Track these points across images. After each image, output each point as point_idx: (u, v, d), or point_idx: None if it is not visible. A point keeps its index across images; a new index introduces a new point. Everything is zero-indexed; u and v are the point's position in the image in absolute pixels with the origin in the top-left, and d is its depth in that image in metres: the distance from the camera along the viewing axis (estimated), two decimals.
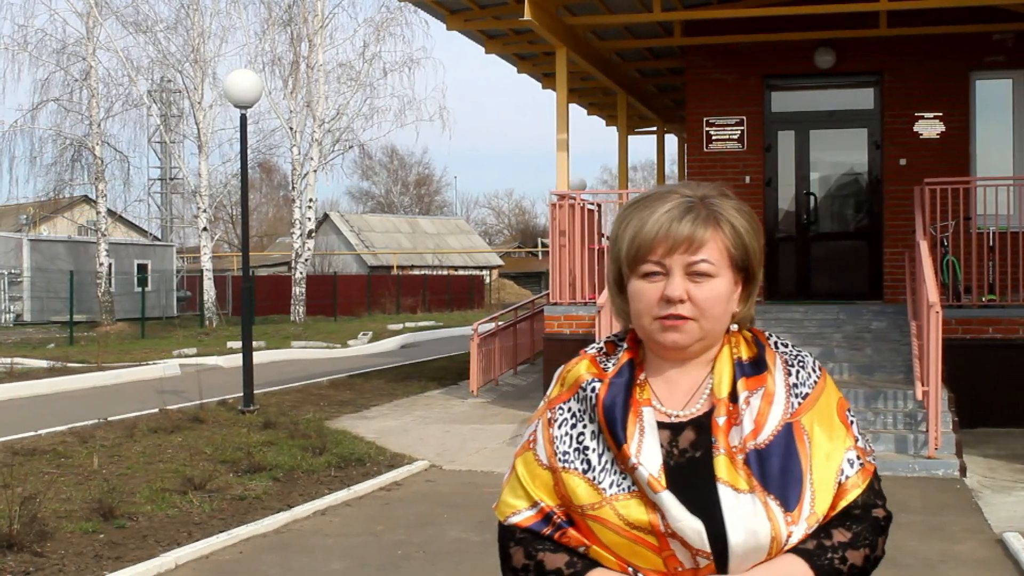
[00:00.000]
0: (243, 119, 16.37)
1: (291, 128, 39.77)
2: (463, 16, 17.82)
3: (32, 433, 13.96)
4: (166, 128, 43.07)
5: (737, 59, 18.52)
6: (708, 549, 2.08)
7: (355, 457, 12.54)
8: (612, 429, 2.16)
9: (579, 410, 2.23)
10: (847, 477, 2.21)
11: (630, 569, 2.12)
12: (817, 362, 2.31)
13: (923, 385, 12.08)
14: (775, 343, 2.31)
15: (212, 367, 23.94)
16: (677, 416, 2.20)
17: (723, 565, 2.10)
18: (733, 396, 2.20)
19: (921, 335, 12.76)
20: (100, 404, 17.12)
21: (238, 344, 23.38)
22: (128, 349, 28.30)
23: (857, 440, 2.25)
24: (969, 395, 13.94)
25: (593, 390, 2.22)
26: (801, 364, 2.28)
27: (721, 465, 2.13)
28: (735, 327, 2.29)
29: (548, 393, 2.32)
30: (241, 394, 16.13)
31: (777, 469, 2.13)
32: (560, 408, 2.25)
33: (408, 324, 40.42)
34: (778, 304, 17.28)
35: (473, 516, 9.85)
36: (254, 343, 18.57)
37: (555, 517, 2.17)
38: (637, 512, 2.11)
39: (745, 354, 2.26)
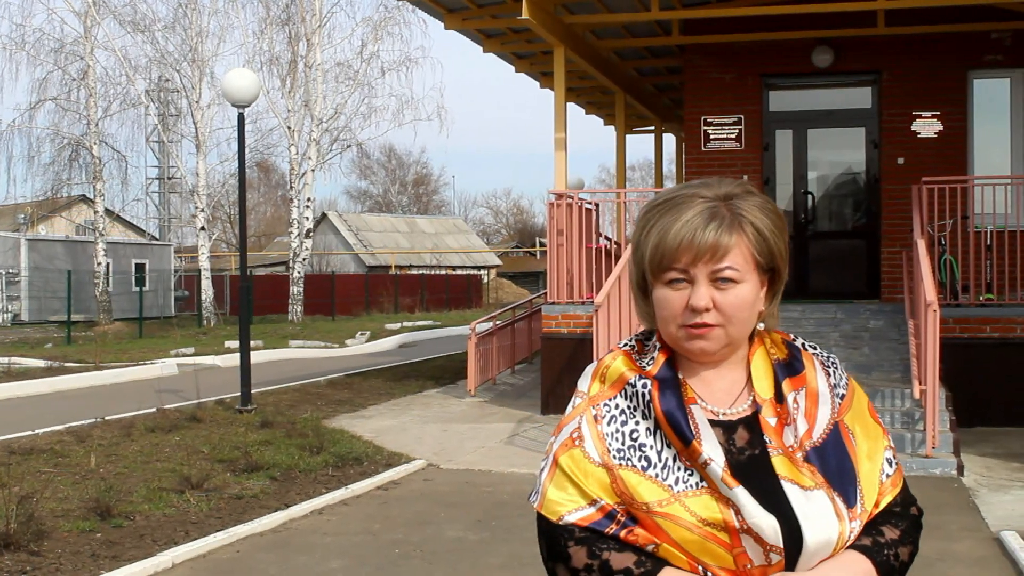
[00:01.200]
0: (241, 118, 16.36)
1: (289, 127, 39.76)
2: (461, 15, 17.81)
3: (29, 432, 13.95)
4: (164, 127, 43.09)
5: (735, 58, 18.52)
6: (782, 545, 2.08)
7: (353, 456, 12.54)
8: (675, 425, 2.14)
9: (628, 407, 2.19)
10: (887, 476, 2.26)
11: (700, 568, 2.09)
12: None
13: (920, 384, 12.08)
14: (803, 344, 2.32)
15: (210, 366, 23.93)
16: (726, 415, 2.20)
17: (792, 562, 2.10)
18: (779, 396, 2.22)
19: (919, 334, 12.76)
20: (97, 403, 17.12)
21: (236, 343, 23.37)
22: (126, 348, 28.29)
23: (889, 443, 2.31)
24: (967, 394, 13.94)
25: (645, 386, 2.18)
26: (835, 365, 2.31)
27: (781, 464, 2.15)
28: (762, 326, 2.29)
29: (584, 390, 2.26)
30: (239, 393, 16.12)
31: (835, 467, 2.17)
32: (606, 404, 2.20)
33: (406, 323, 40.43)
34: None
35: (471, 515, 9.85)
36: (252, 342, 18.57)
37: (618, 515, 2.12)
38: (710, 508, 2.09)
39: (780, 355, 2.28)
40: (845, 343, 15.08)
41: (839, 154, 18.69)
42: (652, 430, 2.17)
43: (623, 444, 2.16)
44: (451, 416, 16.01)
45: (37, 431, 14.04)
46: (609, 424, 2.18)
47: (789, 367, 2.25)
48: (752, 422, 2.19)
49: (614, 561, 2.10)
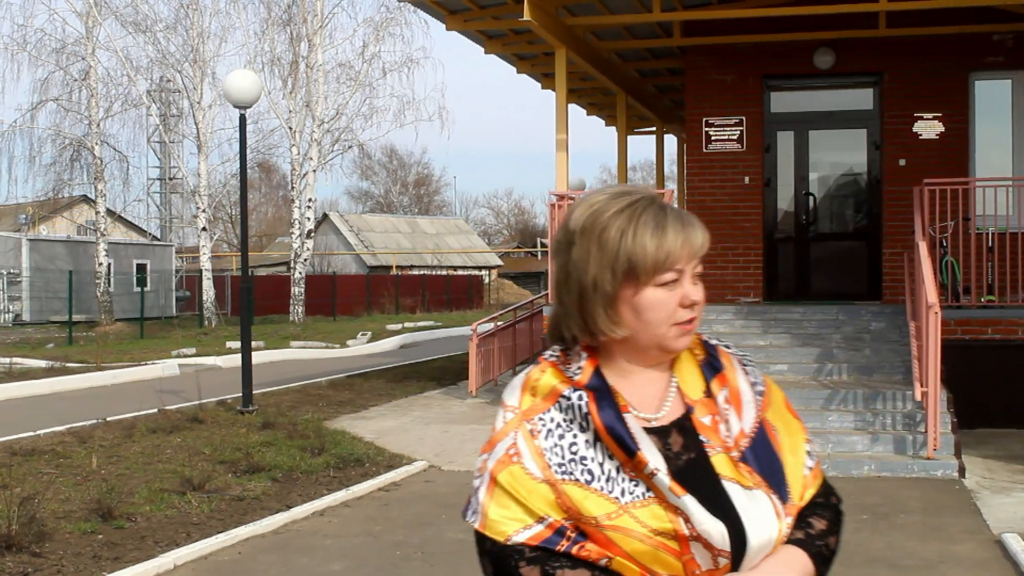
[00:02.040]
0: (242, 119, 16.37)
1: (290, 128, 39.76)
2: (463, 16, 17.81)
3: (31, 433, 13.96)
4: (165, 128, 43.07)
5: (736, 59, 18.52)
6: (729, 549, 2.09)
7: (354, 457, 12.54)
8: (618, 438, 2.12)
9: (564, 420, 2.16)
10: (809, 468, 2.29)
11: None
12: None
13: (922, 386, 12.08)
14: (719, 342, 2.34)
15: (211, 367, 23.94)
16: (656, 420, 2.19)
17: (736, 563, 2.11)
18: (708, 395, 2.23)
19: (920, 336, 12.77)
20: (99, 404, 17.12)
21: (237, 344, 23.37)
22: (127, 349, 28.30)
23: (808, 437, 2.34)
24: (968, 396, 13.94)
25: (580, 398, 2.16)
26: (750, 363, 2.34)
27: (722, 463, 2.16)
28: None
29: (513, 404, 2.21)
30: (240, 394, 16.13)
31: (767, 465, 2.19)
32: (540, 418, 2.16)
33: (407, 324, 40.43)
34: (777, 304, 17.27)
35: None
36: (253, 343, 18.57)
37: (567, 531, 2.09)
38: (659, 518, 2.08)
39: (701, 354, 2.29)
40: (846, 345, 15.07)
41: (840, 155, 18.69)
42: (591, 442, 2.14)
43: (563, 458, 2.13)
44: (452, 417, 16.01)
45: (38, 432, 14.05)
46: (546, 438, 2.15)
47: (711, 366, 2.28)
48: (684, 425, 2.20)
49: None
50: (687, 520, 2.08)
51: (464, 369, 19.56)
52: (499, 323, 20.26)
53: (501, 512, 2.11)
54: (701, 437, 2.18)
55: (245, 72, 16.22)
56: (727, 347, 2.33)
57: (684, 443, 2.18)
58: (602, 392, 2.17)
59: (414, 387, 19.75)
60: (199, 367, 23.29)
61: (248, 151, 18.20)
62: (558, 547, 2.08)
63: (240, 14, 40.62)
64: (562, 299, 2.24)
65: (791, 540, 2.18)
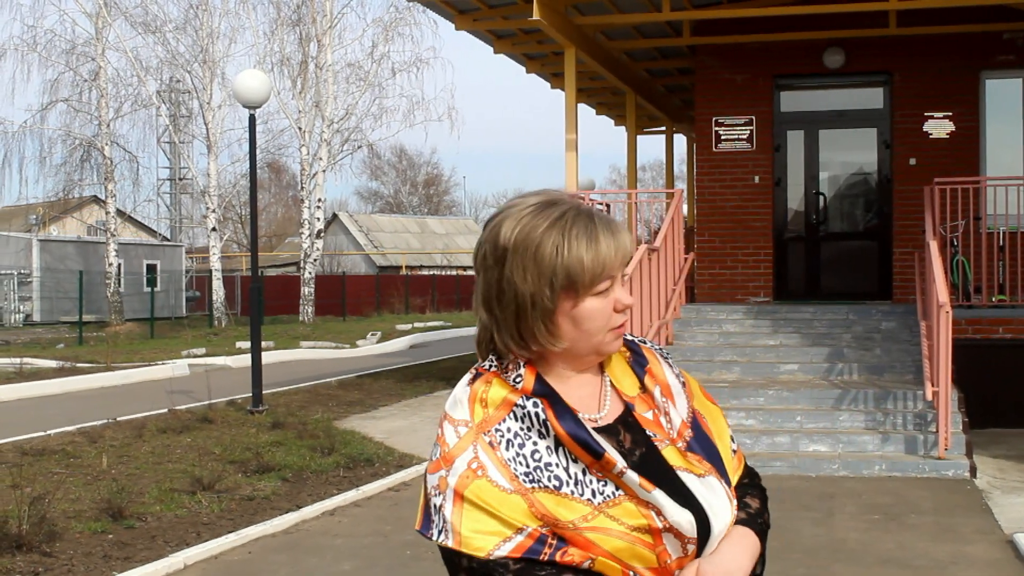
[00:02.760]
0: (252, 119, 16.37)
1: (300, 128, 39.79)
2: (472, 16, 17.80)
3: (41, 433, 13.98)
4: (175, 128, 43.14)
5: (746, 59, 18.49)
6: (696, 536, 2.14)
7: (364, 457, 12.55)
8: (583, 442, 2.12)
9: (521, 428, 2.14)
10: (734, 451, 2.36)
11: (630, 573, 2.09)
12: None
13: (933, 385, 12.05)
14: (636, 339, 2.36)
15: (221, 367, 23.96)
16: (600, 420, 2.21)
17: (700, 548, 2.16)
18: (644, 391, 2.27)
19: (931, 335, 12.74)
20: (109, 404, 17.15)
21: (247, 344, 23.40)
22: (137, 349, 28.34)
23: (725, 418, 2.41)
24: (979, 395, 13.90)
25: (536, 405, 2.15)
26: (668, 355, 2.38)
27: (672, 455, 2.20)
28: None
29: (463, 417, 2.17)
30: (250, 394, 16.14)
31: (709, 451, 2.25)
32: (497, 430, 2.14)
33: (417, 324, 40.42)
34: (787, 304, 17.25)
35: None
36: (263, 343, 18.58)
37: (548, 538, 2.06)
38: (632, 514, 2.10)
39: (627, 352, 2.32)
40: (857, 344, 15.04)
41: (851, 155, 18.65)
42: (552, 448, 2.14)
43: (528, 467, 2.11)
44: None
45: (49, 432, 14.07)
46: (507, 449, 2.12)
47: (639, 363, 2.31)
48: (628, 422, 2.22)
49: None
50: (659, 513, 2.11)
51: None
52: None
53: (475, 527, 2.07)
54: (647, 432, 2.21)
55: (254, 72, 16.24)
56: (645, 342, 2.37)
57: (632, 439, 2.20)
58: (553, 398, 2.17)
59: (424, 387, 19.75)
60: (209, 367, 23.30)
61: (258, 151, 18.21)
62: (542, 556, 2.06)
63: (249, 14, 40.70)
64: (493, 313, 2.21)
65: (737, 520, 2.24)
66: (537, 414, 2.14)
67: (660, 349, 2.37)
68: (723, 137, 18.54)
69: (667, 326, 15.35)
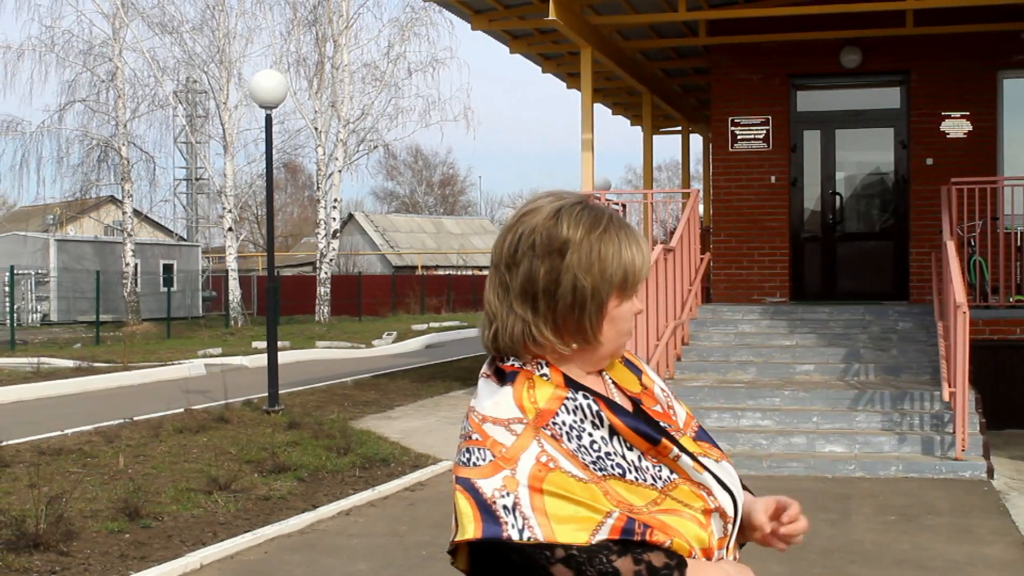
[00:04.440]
0: (268, 119, 16.40)
1: (316, 128, 39.86)
2: (488, 16, 17.81)
3: (58, 433, 14.02)
4: (192, 128, 43.27)
5: (762, 58, 18.46)
6: (733, 515, 2.25)
7: (379, 457, 12.56)
8: (639, 430, 2.20)
9: (575, 421, 2.17)
10: None
11: (692, 553, 2.15)
12: None
13: (950, 386, 12.01)
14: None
15: (237, 367, 24.00)
16: None
17: (733, 527, 2.29)
18: (644, 389, 2.37)
19: (948, 336, 12.69)
20: (126, 404, 17.19)
21: (263, 344, 23.45)
22: (154, 349, 28.42)
23: None
24: (996, 396, 13.86)
25: (586, 397, 2.20)
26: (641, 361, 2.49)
27: (689, 444, 2.28)
28: None
29: (515, 415, 2.15)
30: (266, 394, 16.16)
31: (713, 441, 2.37)
32: (553, 423, 2.15)
33: (432, 324, 40.44)
34: (804, 304, 17.21)
35: None
36: (279, 343, 18.61)
37: (636, 521, 2.09)
38: (691, 496, 2.18)
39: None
40: (873, 345, 15.00)
41: (867, 155, 18.60)
42: (608, 438, 2.18)
43: (593, 457, 2.14)
44: None
45: (66, 431, 14.11)
46: (570, 441, 2.14)
47: (630, 366, 2.41)
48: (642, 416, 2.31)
49: (654, 560, 2.08)
50: (710, 493, 2.20)
51: None
52: None
53: (566, 517, 2.07)
54: (661, 423, 2.28)
55: (271, 73, 16.26)
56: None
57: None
58: (592, 391, 2.24)
59: (440, 387, 19.76)
60: (225, 367, 23.35)
61: (274, 151, 18.25)
62: (635, 536, 2.09)
63: (266, 15, 40.84)
64: (535, 304, 2.21)
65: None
66: (589, 406, 2.19)
67: (635, 355, 2.48)
68: (739, 137, 18.51)
69: (683, 326, 15.33)
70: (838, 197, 18.40)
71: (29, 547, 8.31)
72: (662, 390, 2.39)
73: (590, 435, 2.17)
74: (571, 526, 2.06)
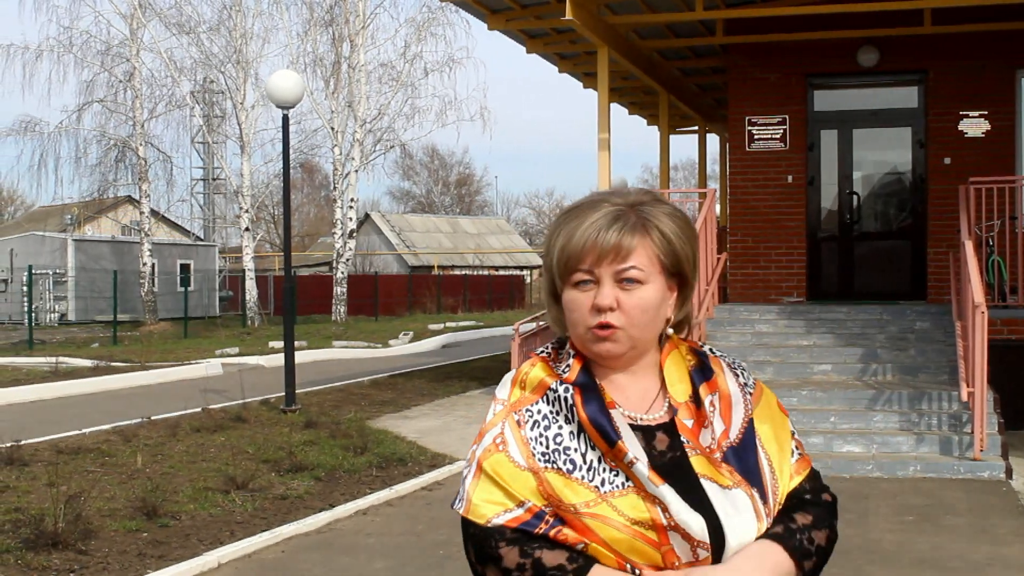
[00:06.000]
0: (285, 119, 16.43)
1: (333, 128, 39.91)
2: (504, 16, 17.81)
3: (77, 432, 14.06)
4: (209, 129, 43.37)
5: (779, 58, 18.42)
6: (708, 540, 2.13)
7: (396, 457, 12.57)
8: (600, 427, 2.16)
9: (551, 412, 2.21)
10: (792, 465, 2.32)
11: (628, 566, 2.12)
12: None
13: (968, 386, 11.96)
14: (711, 350, 2.37)
15: (254, 366, 24.04)
16: (643, 420, 2.24)
17: (717, 558, 2.14)
18: (695, 400, 2.27)
19: (966, 335, 12.65)
20: (143, 403, 17.23)
21: (280, 344, 23.47)
22: (171, 348, 28.48)
23: (793, 433, 2.37)
24: (1015, 396, 13.81)
25: (567, 390, 2.21)
26: (742, 368, 2.38)
27: (699, 463, 2.20)
28: (671, 331, 2.33)
29: (503, 396, 2.27)
30: (283, 393, 16.19)
31: (752, 465, 2.23)
32: (528, 410, 2.22)
33: (449, 324, 40.45)
34: (821, 304, 17.17)
35: None
36: (296, 343, 18.63)
37: (547, 516, 2.13)
38: (637, 508, 2.12)
39: (692, 360, 2.33)
40: (891, 345, 14.96)
41: (885, 154, 18.55)
42: (575, 433, 2.19)
43: (547, 448, 2.18)
44: None
45: (84, 431, 14.15)
46: (532, 429, 2.20)
47: (702, 372, 2.31)
48: (670, 427, 2.24)
49: (546, 559, 2.12)
50: (665, 510, 2.12)
51: (506, 369, 19.52)
52: (541, 323, 20.18)
53: (483, 497, 2.17)
54: (682, 438, 2.22)
55: (288, 73, 16.29)
56: (719, 353, 2.38)
57: (670, 443, 2.22)
58: (588, 387, 2.22)
59: (456, 387, 19.77)
60: (242, 366, 23.39)
61: (290, 151, 18.27)
62: (536, 530, 2.13)
63: (283, 15, 40.79)
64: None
65: (768, 534, 2.20)
66: (567, 399, 2.20)
67: (733, 360, 2.38)
68: (756, 136, 18.48)
69: (700, 326, 15.30)
70: (855, 196, 18.36)
71: (48, 546, 8.34)
72: (722, 402, 2.28)
73: (559, 427, 2.19)
74: (483, 506, 2.17)
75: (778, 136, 18.39)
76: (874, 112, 18.24)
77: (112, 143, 38.33)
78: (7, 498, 10.12)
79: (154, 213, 40.21)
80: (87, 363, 23.40)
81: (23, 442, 12.75)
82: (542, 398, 2.23)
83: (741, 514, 2.16)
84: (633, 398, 2.26)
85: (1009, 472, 11.58)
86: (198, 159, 56.46)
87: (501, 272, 64.98)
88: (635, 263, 2.20)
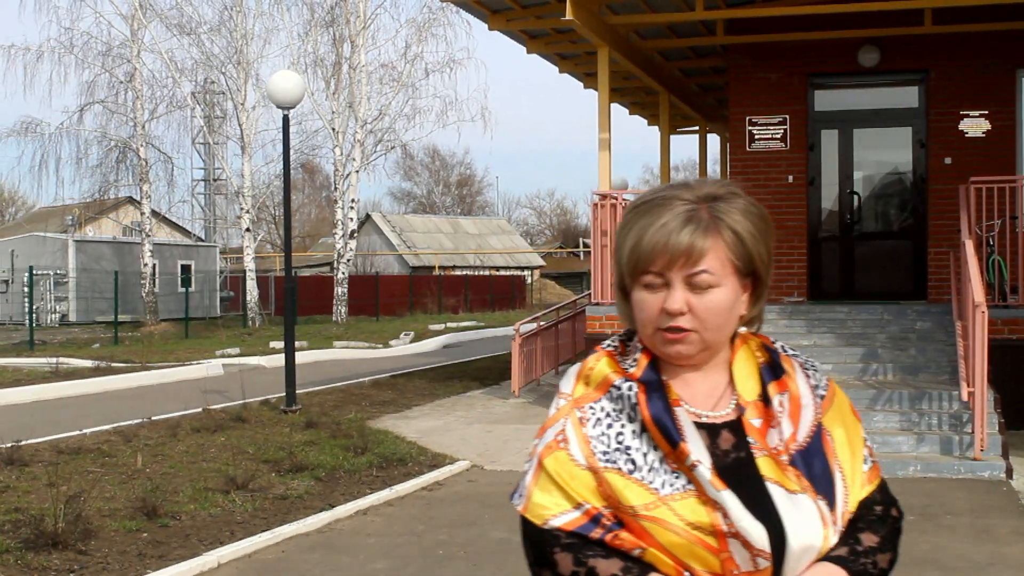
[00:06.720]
0: (286, 120, 16.42)
1: (333, 129, 39.92)
2: (505, 16, 17.82)
3: (77, 432, 14.07)
4: (210, 129, 43.38)
5: (780, 58, 18.42)
6: (769, 550, 2.07)
7: (397, 457, 12.56)
8: (663, 428, 2.12)
9: (614, 410, 2.17)
10: (864, 473, 2.25)
11: (686, 573, 2.07)
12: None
13: (968, 386, 11.96)
14: (783, 347, 2.30)
15: (255, 367, 24.05)
16: (709, 417, 2.18)
17: (778, 566, 2.08)
18: (764, 399, 2.20)
19: (966, 335, 12.64)
20: (144, 403, 17.24)
21: (281, 344, 23.48)
22: (172, 349, 28.49)
23: (866, 439, 2.29)
24: (1015, 396, 13.80)
25: (630, 388, 2.16)
26: (814, 368, 2.30)
27: (766, 465, 2.13)
28: (743, 329, 2.27)
29: (567, 391, 2.23)
30: (283, 394, 16.18)
31: (819, 470, 2.16)
32: (591, 407, 2.18)
33: (450, 324, 40.47)
34: (822, 304, 17.17)
35: (515, 517, 9.80)
36: (296, 343, 18.65)
37: (604, 519, 2.09)
38: (697, 512, 2.07)
39: (763, 358, 2.26)
40: (892, 344, 14.95)
41: (885, 154, 18.54)
42: (638, 433, 2.14)
43: (608, 447, 2.14)
44: (495, 417, 16.00)
45: (84, 431, 14.16)
46: (594, 427, 2.16)
47: (772, 371, 2.24)
48: (736, 425, 2.18)
49: (600, 568, 2.08)
50: (725, 516, 2.06)
51: (507, 369, 19.55)
52: (542, 323, 20.24)
53: (543, 496, 2.15)
54: (749, 439, 2.16)
55: (288, 73, 16.29)
56: (792, 352, 2.31)
57: (735, 443, 2.16)
58: (653, 385, 2.17)
59: (457, 387, 19.76)
60: (243, 367, 23.40)
61: (291, 152, 18.29)
62: (592, 534, 2.09)
63: (283, 16, 40.83)
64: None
65: (832, 557, 2.13)
66: (630, 397, 2.17)
67: (805, 359, 2.31)
68: (757, 136, 18.48)
69: None
70: (856, 196, 18.35)
71: (48, 546, 8.34)
72: (791, 403, 2.20)
73: (622, 425, 2.15)
74: (542, 506, 2.14)
75: (779, 136, 18.39)
76: (875, 112, 18.23)
77: (113, 144, 38.35)
78: (7, 498, 10.12)
79: (155, 214, 40.21)
80: (88, 364, 23.41)
81: (24, 442, 12.77)
82: (605, 395, 2.19)
83: (806, 520, 2.10)
84: (699, 394, 2.21)
85: (1010, 472, 11.57)
86: (199, 160, 56.55)
87: (502, 272, 64.97)
88: (706, 267, 2.14)
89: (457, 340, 33.88)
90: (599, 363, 2.23)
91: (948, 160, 17.67)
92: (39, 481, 10.68)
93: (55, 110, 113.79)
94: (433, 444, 13.64)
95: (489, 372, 22.08)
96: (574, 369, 2.27)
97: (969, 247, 13.34)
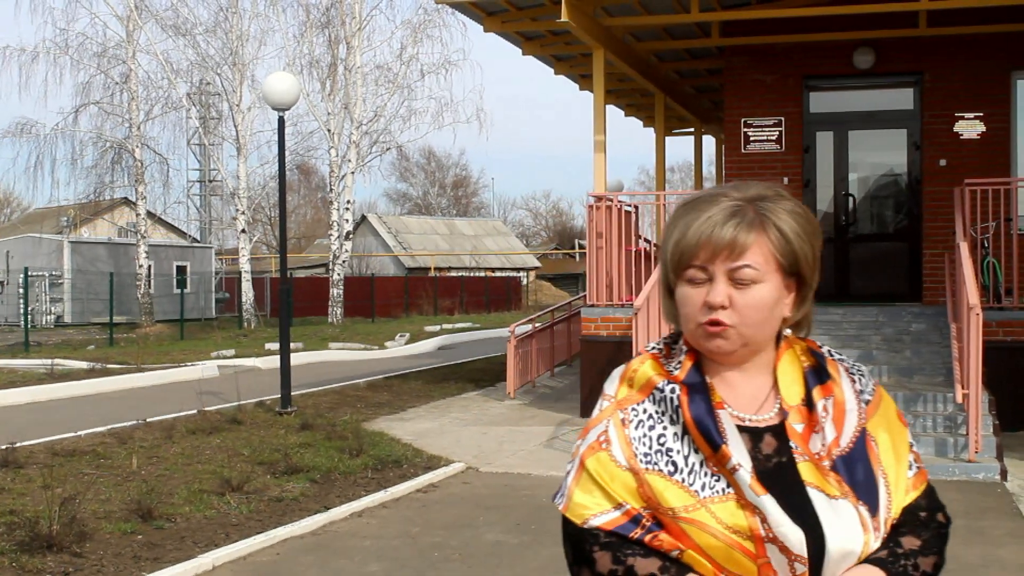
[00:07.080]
0: (281, 121, 16.43)
1: (329, 130, 39.91)
2: (500, 18, 17.81)
3: (72, 434, 14.06)
4: (205, 130, 43.37)
5: (775, 60, 18.43)
6: (807, 556, 2.07)
7: (392, 459, 12.56)
8: (704, 431, 2.12)
9: (656, 411, 2.18)
10: (909, 479, 2.23)
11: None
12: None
13: (963, 388, 11.97)
14: (829, 351, 2.30)
15: (250, 368, 24.05)
16: (752, 421, 2.19)
17: (816, 573, 2.08)
18: (808, 403, 2.20)
19: (961, 337, 12.65)
20: (139, 405, 17.23)
21: (276, 345, 23.47)
22: (167, 350, 28.47)
23: (912, 444, 2.28)
24: (1010, 398, 13.81)
25: (673, 391, 2.18)
26: (860, 372, 2.29)
27: (807, 470, 2.14)
28: (788, 332, 2.27)
29: (611, 393, 2.25)
30: (279, 395, 16.19)
31: (861, 476, 2.15)
32: (634, 409, 2.20)
33: (445, 326, 40.46)
34: (816, 305, 17.09)
35: (510, 518, 9.84)
36: (292, 344, 18.64)
37: (643, 520, 2.11)
38: (736, 515, 2.08)
39: (808, 362, 2.26)
40: (887, 346, 14.97)
41: (880, 156, 18.55)
42: (680, 435, 2.16)
43: (650, 448, 2.15)
44: (490, 419, 16.01)
45: (79, 432, 14.15)
46: (636, 428, 2.18)
47: (817, 375, 2.23)
48: (779, 429, 2.18)
49: (639, 567, 2.09)
50: (764, 520, 2.07)
51: (502, 371, 19.55)
52: (537, 325, 20.24)
53: (584, 496, 2.17)
54: (791, 443, 2.16)
55: (284, 75, 16.28)
56: (838, 356, 2.30)
57: (777, 447, 2.16)
58: (697, 387, 2.18)
59: (452, 388, 19.77)
60: (238, 368, 23.40)
61: (287, 153, 18.27)
62: (632, 534, 2.11)
63: (279, 17, 40.83)
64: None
65: (873, 559, 2.12)
66: (672, 399, 2.18)
67: (852, 364, 2.30)
68: (752, 138, 18.49)
69: None
70: (851, 198, 18.37)
71: (43, 548, 8.33)
72: (836, 408, 2.19)
73: (664, 428, 2.17)
74: (582, 506, 2.16)
75: (774, 138, 18.40)
76: (870, 114, 18.25)
77: (108, 145, 38.32)
78: (2, 500, 10.11)
79: (150, 215, 40.23)
80: (83, 365, 23.39)
81: (18, 444, 12.76)
82: (648, 397, 2.21)
83: (846, 526, 2.09)
84: (743, 397, 2.21)
85: (1004, 474, 11.58)
86: (194, 161, 56.49)
87: (498, 274, 64.97)
88: (750, 261, 2.14)
89: (452, 342, 33.89)
90: (643, 365, 2.25)
91: (943, 162, 17.69)
92: (34, 483, 10.68)
93: (50, 111, 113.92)
94: (428, 446, 13.64)
95: (484, 374, 22.08)
96: (618, 371, 2.29)
97: (964, 249, 13.35)
